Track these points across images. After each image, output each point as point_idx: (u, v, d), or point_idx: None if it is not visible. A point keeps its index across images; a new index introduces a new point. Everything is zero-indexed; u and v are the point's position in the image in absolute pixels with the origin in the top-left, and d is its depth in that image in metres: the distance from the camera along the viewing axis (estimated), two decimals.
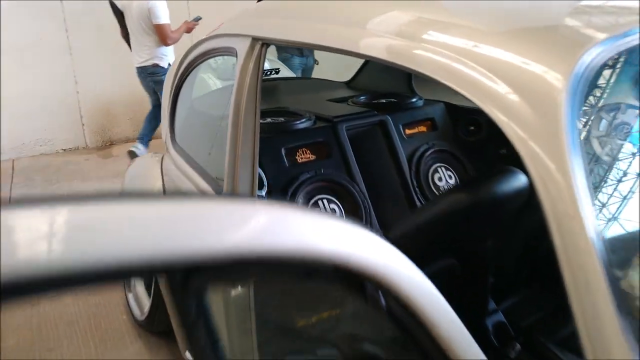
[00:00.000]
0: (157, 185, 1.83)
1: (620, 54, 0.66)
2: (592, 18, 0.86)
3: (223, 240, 0.34)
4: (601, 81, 0.76)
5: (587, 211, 0.52)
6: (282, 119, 1.65)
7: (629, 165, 0.79)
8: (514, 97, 0.64)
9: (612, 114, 0.82)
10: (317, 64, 4.50)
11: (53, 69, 4.96)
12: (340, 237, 0.42)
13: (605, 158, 0.77)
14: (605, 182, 0.74)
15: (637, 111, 0.88)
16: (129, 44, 4.09)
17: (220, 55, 1.50)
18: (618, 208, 0.70)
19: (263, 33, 1.18)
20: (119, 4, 3.98)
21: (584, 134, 0.73)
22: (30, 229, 0.29)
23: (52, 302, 2.26)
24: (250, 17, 1.36)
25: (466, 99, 0.68)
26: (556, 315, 1.37)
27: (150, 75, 3.99)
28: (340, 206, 1.51)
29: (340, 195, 1.53)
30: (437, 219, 1.01)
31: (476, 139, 1.81)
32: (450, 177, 1.71)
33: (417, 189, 1.64)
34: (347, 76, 2.36)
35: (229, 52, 1.31)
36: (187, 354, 0.38)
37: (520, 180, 0.99)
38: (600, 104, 0.81)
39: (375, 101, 1.90)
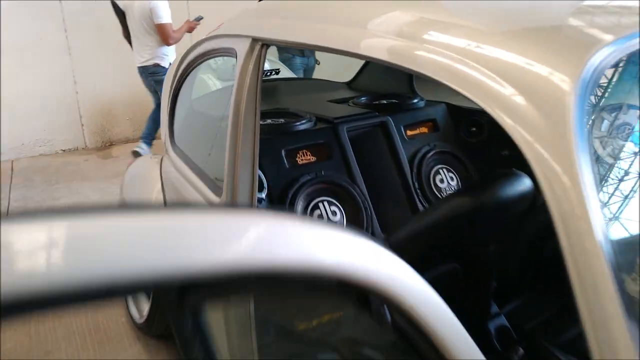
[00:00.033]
0: (156, 187, 1.82)
1: (628, 56, 0.65)
2: (595, 18, 0.85)
3: (218, 255, 0.32)
4: (602, 81, 0.75)
5: (595, 213, 0.51)
6: (283, 120, 1.63)
7: (631, 165, 0.79)
8: (519, 99, 0.63)
9: (613, 114, 0.81)
10: (318, 64, 4.49)
11: (52, 69, 4.95)
12: (343, 249, 0.40)
13: (607, 158, 0.77)
14: (606, 181, 0.73)
15: (639, 112, 0.87)
16: (130, 44, 4.09)
17: (219, 56, 1.48)
18: (619, 208, 0.69)
19: (263, 34, 1.16)
20: (120, 3, 3.97)
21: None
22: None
23: None
24: (250, 18, 1.34)
25: (468, 100, 0.67)
26: (559, 319, 1.35)
27: (152, 75, 3.99)
28: (341, 208, 1.50)
29: (341, 198, 1.51)
30: (440, 223, 1.00)
31: (478, 140, 1.79)
32: (452, 178, 1.70)
33: (418, 191, 1.63)
34: (347, 76, 2.35)
35: (229, 52, 1.30)
36: None
37: (524, 183, 0.98)
38: (601, 104, 0.80)
39: (376, 102, 1.88)
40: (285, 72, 3.84)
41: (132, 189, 2.03)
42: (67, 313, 0.28)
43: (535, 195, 1.00)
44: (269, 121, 1.62)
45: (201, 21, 4.08)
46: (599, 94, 0.79)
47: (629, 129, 0.83)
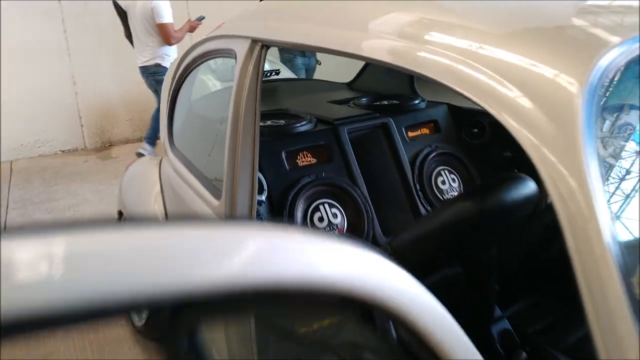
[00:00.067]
0: (155, 189, 1.80)
1: (635, 58, 0.63)
2: (599, 18, 0.83)
3: (214, 272, 0.30)
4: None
5: (603, 215, 0.50)
6: (283, 121, 1.62)
7: (632, 164, 0.79)
8: (525, 101, 0.61)
9: (615, 115, 0.80)
10: (320, 64, 4.48)
11: (51, 70, 4.95)
12: (345, 263, 0.39)
13: (609, 159, 0.76)
14: (607, 180, 0.73)
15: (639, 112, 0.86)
16: (132, 44, 4.08)
17: (218, 57, 1.47)
18: (620, 207, 0.68)
19: (263, 34, 1.15)
20: (122, 3, 3.96)
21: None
22: None
23: None
24: (249, 18, 1.33)
25: (471, 101, 0.66)
26: (561, 322, 1.34)
27: (152, 75, 3.99)
28: (342, 211, 1.48)
29: (342, 200, 1.50)
30: (443, 227, 0.98)
31: (480, 142, 1.78)
32: (453, 180, 1.69)
33: (420, 193, 1.62)
34: (348, 77, 2.34)
35: (228, 54, 1.28)
36: None
37: (529, 186, 0.97)
38: (602, 104, 0.79)
39: (377, 103, 1.87)
40: (286, 73, 3.83)
41: (131, 191, 2.02)
42: (54, 334, 0.27)
43: (540, 198, 0.99)
44: (269, 123, 1.60)
45: (202, 21, 4.07)
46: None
47: (631, 129, 0.82)
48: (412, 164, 1.65)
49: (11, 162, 4.90)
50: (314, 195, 1.47)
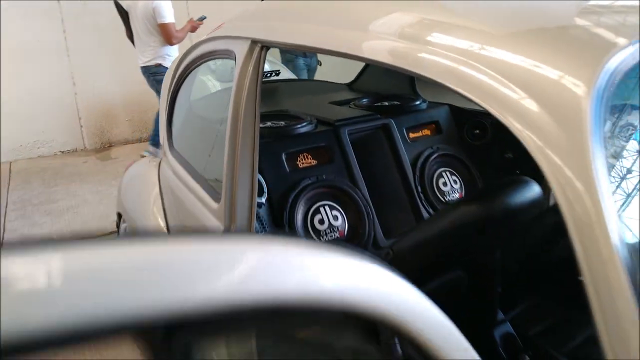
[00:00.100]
0: (154, 191, 1.79)
1: None
2: (601, 18, 0.82)
3: (208, 289, 0.29)
4: None
5: (611, 218, 0.49)
6: (283, 122, 1.61)
7: (633, 164, 0.78)
8: (530, 103, 0.60)
9: (616, 115, 0.80)
10: (320, 64, 4.48)
11: (51, 70, 4.94)
12: (348, 277, 0.37)
13: (610, 159, 0.75)
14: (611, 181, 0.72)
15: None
16: (134, 44, 4.08)
17: (217, 58, 1.46)
18: (622, 206, 0.68)
19: (262, 35, 1.13)
20: (124, 3, 3.96)
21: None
22: None
23: None
24: (248, 19, 1.31)
25: (473, 102, 0.64)
26: (564, 324, 1.33)
27: (153, 75, 3.98)
28: (343, 213, 1.47)
29: (343, 202, 1.49)
30: (447, 231, 0.97)
31: (481, 143, 1.77)
32: (455, 182, 1.67)
33: (421, 195, 1.60)
34: (348, 77, 2.33)
35: (227, 55, 1.27)
36: None
37: (533, 190, 0.96)
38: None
39: (378, 104, 1.86)
40: (286, 74, 3.82)
41: (130, 193, 2.01)
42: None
43: (543, 201, 0.98)
44: (269, 124, 1.59)
45: (204, 21, 4.07)
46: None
47: (632, 129, 0.82)
48: (414, 165, 1.64)
49: (10, 163, 4.89)
50: (315, 197, 1.46)
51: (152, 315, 0.27)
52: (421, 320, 0.40)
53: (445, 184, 1.66)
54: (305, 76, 4.35)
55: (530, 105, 0.60)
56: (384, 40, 0.83)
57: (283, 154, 1.48)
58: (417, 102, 1.82)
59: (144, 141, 5.41)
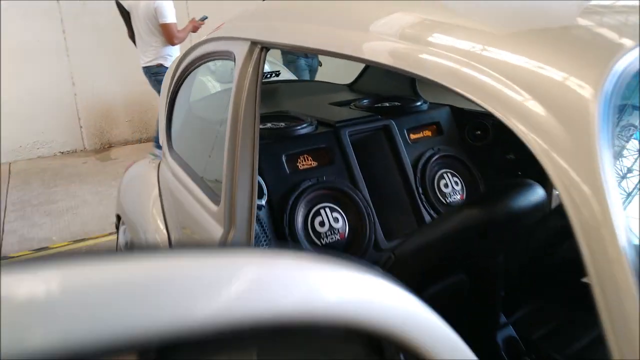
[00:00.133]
0: (154, 193, 1.78)
1: None
2: (604, 19, 0.81)
3: (205, 307, 0.28)
4: None
5: (618, 220, 0.48)
6: (283, 124, 1.60)
7: (634, 163, 0.78)
8: (534, 104, 0.59)
9: (617, 116, 0.79)
10: (321, 65, 4.47)
11: (50, 71, 4.93)
12: (350, 291, 0.36)
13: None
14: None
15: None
16: (135, 44, 4.08)
17: (217, 59, 1.45)
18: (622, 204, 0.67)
19: (262, 36, 1.12)
20: (125, 4, 3.95)
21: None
22: None
23: None
24: (248, 20, 1.30)
25: (475, 104, 0.63)
26: (566, 327, 1.32)
27: (155, 75, 3.98)
28: (343, 215, 1.46)
29: (343, 204, 1.48)
30: (450, 235, 0.96)
31: (483, 144, 1.76)
32: (456, 183, 1.66)
33: (422, 196, 1.59)
34: (349, 78, 2.31)
35: (227, 56, 1.26)
36: None
37: (537, 193, 0.94)
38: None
39: (379, 105, 1.85)
40: (286, 74, 3.81)
41: (129, 195, 2.00)
42: None
43: (548, 204, 0.97)
44: (269, 125, 1.58)
45: (205, 21, 4.06)
46: None
47: (633, 129, 0.81)
48: (415, 166, 1.63)
49: (10, 163, 4.89)
50: (315, 199, 1.45)
51: (151, 334, 0.26)
52: (427, 335, 0.39)
53: (446, 185, 1.65)
54: (307, 77, 4.33)
55: (535, 107, 0.58)
56: (385, 41, 0.82)
57: (283, 156, 1.47)
58: (418, 103, 1.81)
59: (143, 142, 5.41)
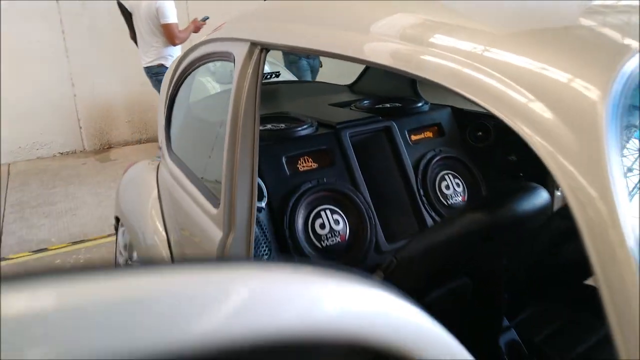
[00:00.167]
0: (153, 195, 1.77)
1: None
2: (607, 19, 0.80)
3: (200, 325, 0.27)
4: None
5: (627, 221, 0.48)
6: (283, 125, 1.58)
7: (634, 162, 0.77)
8: (539, 106, 0.58)
9: (625, 118, 0.79)
10: (321, 66, 4.46)
11: (50, 71, 4.92)
12: (353, 305, 0.35)
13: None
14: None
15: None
16: (137, 45, 4.07)
17: (216, 60, 1.44)
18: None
19: (262, 37, 1.11)
20: (127, 4, 3.95)
21: None
22: None
23: None
24: (248, 20, 1.29)
25: (477, 105, 0.62)
26: (569, 328, 1.31)
27: (155, 75, 3.98)
28: (344, 217, 1.45)
29: (344, 206, 1.47)
30: (454, 239, 0.95)
31: (484, 145, 1.75)
32: (458, 184, 1.65)
33: (423, 198, 1.58)
34: (349, 78, 2.30)
35: (226, 57, 1.25)
36: None
37: (541, 196, 0.93)
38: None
39: (380, 106, 1.84)
40: (286, 75, 3.80)
41: (128, 197, 1.98)
42: None
43: (551, 206, 0.96)
44: (269, 126, 1.57)
45: (207, 21, 4.06)
46: None
47: (634, 129, 0.81)
48: (416, 168, 1.62)
49: (9, 164, 4.88)
50: (316, 201, 1.44)
51: (151, 352, 0.25)
52: (433, 349, 0.37)
53: (447, 187, 1.63)
54: (309, 77, 4.32)
55: (541, 109, 0.57)
56: (386, 42, 0.81)
57: (283, 157, 1.46)
58: (419, 104, 1.80)
59: (143, 142, 5.40)
